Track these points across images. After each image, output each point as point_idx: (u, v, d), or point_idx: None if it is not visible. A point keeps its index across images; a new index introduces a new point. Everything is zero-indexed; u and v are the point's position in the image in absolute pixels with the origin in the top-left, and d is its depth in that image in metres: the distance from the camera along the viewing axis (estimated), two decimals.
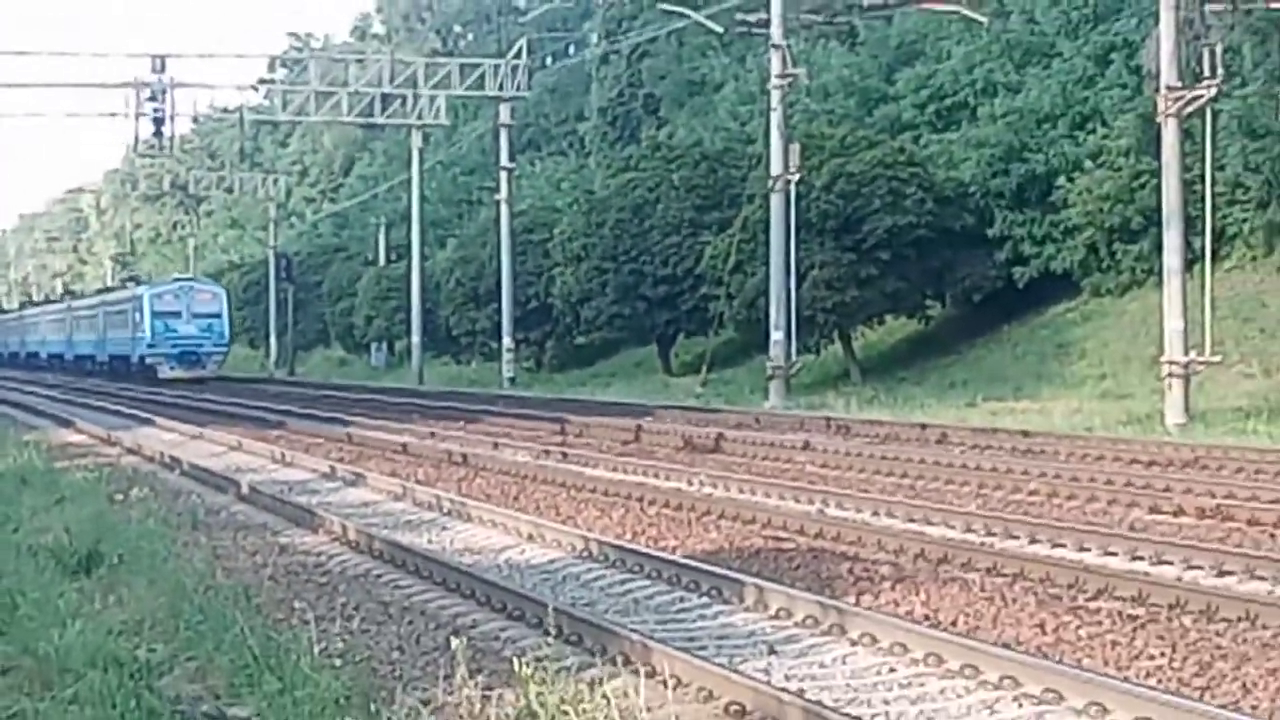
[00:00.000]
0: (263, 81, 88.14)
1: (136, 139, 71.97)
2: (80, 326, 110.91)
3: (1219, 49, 39.33)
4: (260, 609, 15.36)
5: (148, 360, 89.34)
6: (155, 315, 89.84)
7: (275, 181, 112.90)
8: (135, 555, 18.33)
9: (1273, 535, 20.56)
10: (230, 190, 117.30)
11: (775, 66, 53.70)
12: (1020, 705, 12.19)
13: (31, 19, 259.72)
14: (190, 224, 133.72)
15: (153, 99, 71.54)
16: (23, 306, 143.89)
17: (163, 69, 70.87)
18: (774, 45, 54.05)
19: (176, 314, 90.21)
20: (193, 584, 16.50)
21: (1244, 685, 12.75)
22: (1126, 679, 12.77)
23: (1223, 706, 11.75)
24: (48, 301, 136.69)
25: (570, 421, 42.41)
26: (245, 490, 27.96)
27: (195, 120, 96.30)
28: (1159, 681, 12.74)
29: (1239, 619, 15.01)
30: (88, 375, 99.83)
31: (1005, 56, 62.61)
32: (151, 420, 47.80)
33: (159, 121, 73.61)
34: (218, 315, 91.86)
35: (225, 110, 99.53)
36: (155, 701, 11.83)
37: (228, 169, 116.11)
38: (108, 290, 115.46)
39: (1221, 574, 17.54)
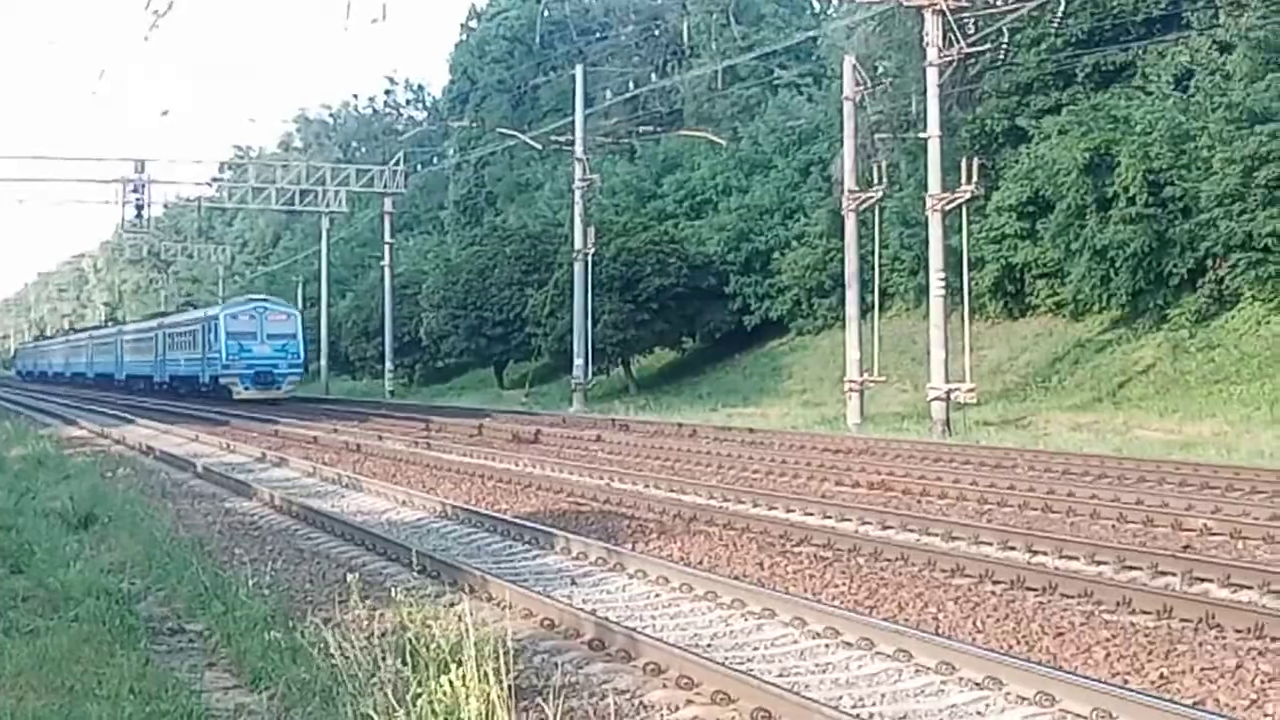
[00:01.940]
0: (215, 179, 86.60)
1: (124, 219, 70.61)
2: (135, 348, 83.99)
3: (884, 164, 39.94)
4: (210, 554, 15.23)
5: (221, 380, 64.59)
6: (230, 336, 64.35)
7: (224, 250, 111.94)
8: (120, 516, 18.13)
9: (919, 500, 20.85)
10: (191, 256, 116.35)
11: (578, 173, 53.84)
12: (746, 620, 12.27)
13: (51, 133, 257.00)
14: (162, 280, 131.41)
15: (135, 191, 70.40)
16: (70, 331, 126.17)
17: (143, 170, 69.79)
18: (577, 158, 54.19)
19: (251, 335, 64.73)
20: (161, 536, 16.35)
21: (899, 604, 12.92)
22: (819, 599, 12.92)
23: (886, 619, 11.92)
24: (96, 328, 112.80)
25: (433, 421, 42.15)
26: (200, 469, 27.67)
27: (165, 206, 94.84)
28: (841, 604, 12.87)
29: (896, 559, 15.21)
30: (146, 395, 74.47)
31: (738, 168, 63.06)
32: (133, 420, 46.93)
33: (140, 206, 72.69)
34: (293, 336, 66.04)
35: (188, 200, 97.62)
36: (134, 620, 11.69)
37: (189, 241, 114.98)
38: (163, 314, 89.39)
39: (884, 528, 17.76)
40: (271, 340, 64.67)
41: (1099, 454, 27.08)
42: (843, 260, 41.37)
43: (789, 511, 19.49)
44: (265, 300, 68.80)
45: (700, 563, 15.23)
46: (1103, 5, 43.19)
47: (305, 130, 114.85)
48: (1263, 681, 9.84)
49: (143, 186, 70.90)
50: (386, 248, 72.77)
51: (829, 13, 51.00)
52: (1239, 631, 11.33)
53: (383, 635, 9.99)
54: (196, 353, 69.39)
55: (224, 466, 28.76)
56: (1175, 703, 9.06)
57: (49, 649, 10.18)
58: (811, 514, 19.17)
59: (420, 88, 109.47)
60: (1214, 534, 16.58)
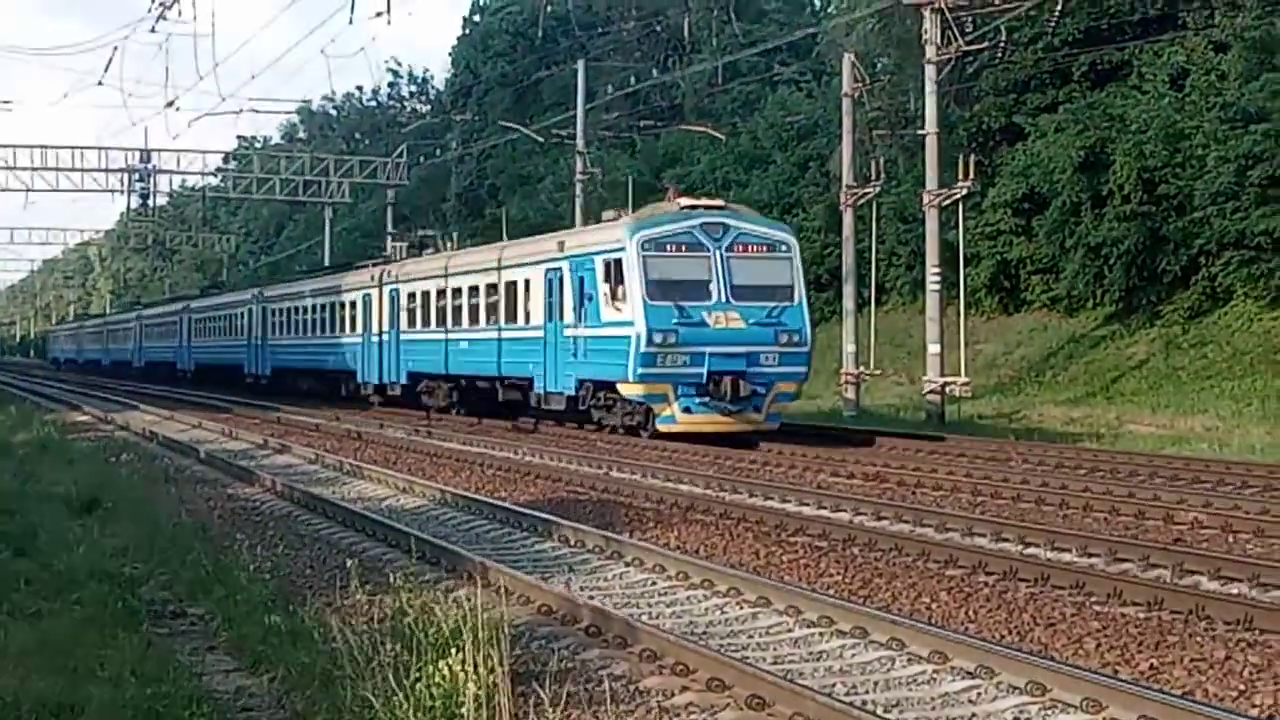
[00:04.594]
0: (219, 169, 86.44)
1: (129, 208, 70.78)
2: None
3: (882, 160, 39.96)
4: (212, 539, 15.24)
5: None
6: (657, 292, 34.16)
7: (228, 240, 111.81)
8: (124, 501, 18.14)
9: (913, 492, 20.87)
10: (195, 245, 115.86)
11: (579, 166, 53.80)
12: (741, 608, 12.28)
13: (60, 125, 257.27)
14: (166, 269, 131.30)
15: (141, 180, 70.70)
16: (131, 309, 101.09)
17: (148, 160, 69.86)
18: (578, 152, 54.15)
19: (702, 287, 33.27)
20: (164, 521, 16.36)
21: (892, 594, 12.93)
22: (814, 589, 12.93)
23: (879, 608, 11.94)
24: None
25: (432, 411, 42.12)
26: (203, 455, 27.66)
27: (170, 196, 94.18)
28: (836, 593, 12.89)
29: (890, 549, 15.21)
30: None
31: (737, 163, 62.96)
32: (136, 406, 46.90)
33: (145, 196, 73.28)
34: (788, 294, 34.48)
35: (193, 189, 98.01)
36: (136, 603, 11.70)
37: (194, 230, 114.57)
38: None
39: (878, 519, 17.76)
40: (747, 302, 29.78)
41: (1092, 448, 27.11)
42: (840, 255, 41.41)
43: (784, 501, 19.50)
44: (725, 210, 31.39)
45: (696, 551, 15.24)
46: (1099, 5, 43.25)
47: (309, 121, 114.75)
48: (1251, 673, 9.85)
49: (148, 176, 71.02)
50: (389, 239, 72.68)
51: (829, 10, 51.00)
52: (1228, 623, 11.34)
53: (382, 620, 10.00)
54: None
55: (226, 453, 28.75)
56: (1165, 693, 9.08)
57: (52, 631, 10.18)
58: (807, 504, 19.16)
59: (424, 80, 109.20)
60: (1205, 528, 16.60)
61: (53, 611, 10.90)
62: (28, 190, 66.20)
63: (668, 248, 29.14)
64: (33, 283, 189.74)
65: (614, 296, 29.18)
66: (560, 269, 32.01)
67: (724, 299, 28.97)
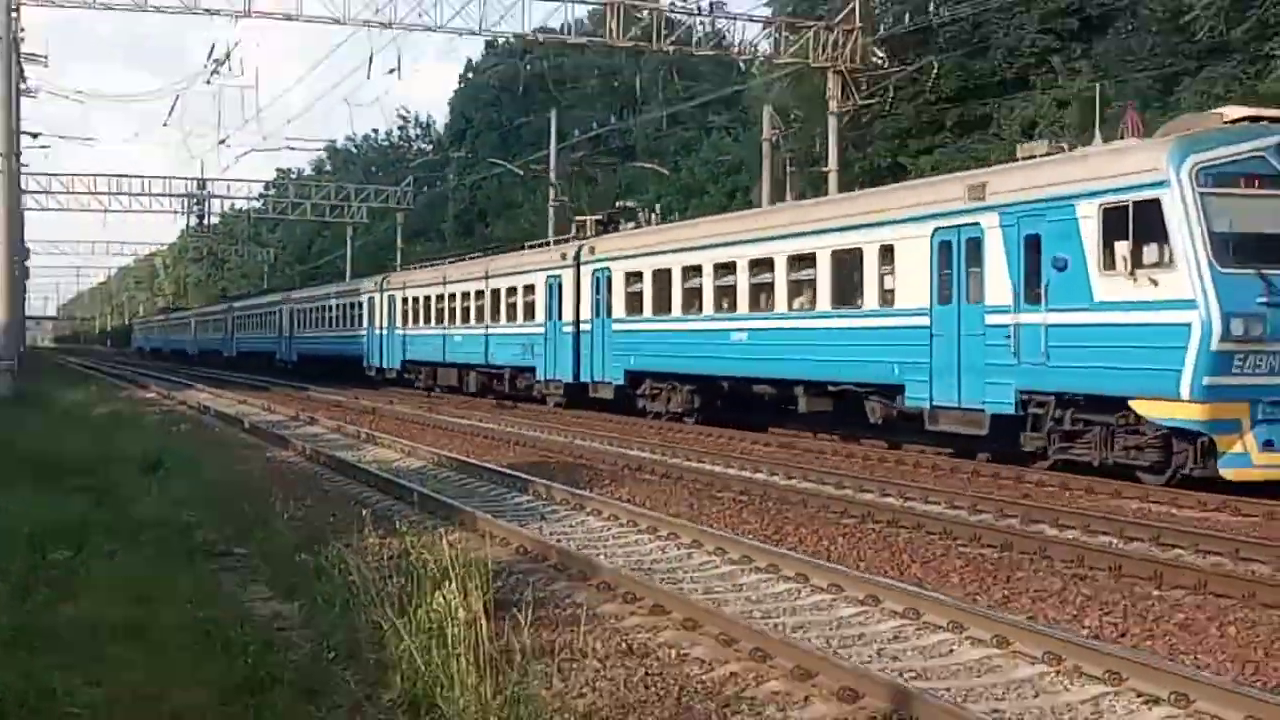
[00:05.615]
0: (262, 195, 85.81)
1: (188, 226, 70.41)
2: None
3: (794, 193, 39.92)
4: (254, 493, 15.13)
5: None
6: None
7: (268, 252, 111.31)
8: (182, 462, 17.97)
9: (817, 458, 20.91)
10: (242, 256, 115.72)
11: (551, 195, 53.75)
12: (679, 549, 12.30)
13: (132, 159, 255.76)
14: (218, 276, 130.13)
15: (198, 204, 70.76)
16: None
17: (204, 187, 69.89)
18: (551, 184, 54.16)
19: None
20: (215, 479, 16.26)
21: (799, 538, 12.98)
22: (737, 533, 12.96)
23: (789, 549, 11.96)
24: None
25: (434, 391, 41.99)
26: (247, 426, 27.50)
27: (221, 216, 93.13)
28: (754, 537, 12.92)
29: (798, 502, 15.27)
30: None
31: (679, 194, 62.73)
32: (193, 386, 46.61)
33: (201, 216, 73.50)
34: None
35: (240, 211, 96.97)
36: (192, 545, 11.62)
37: (240, 244, 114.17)
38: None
39: (789, 478, 17.79)
40: None
41: None
42: None
43: (714, 465, 19.54)
44: None
45: (643, 503, 15.25)
46: (966, 69, 43.36)
47: (334, 158, 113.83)
48: (1082, 601, 9.95)
49: (204, 200, 70.97)
50: (399, 252, 72.40)
51: (752, 71, 50.92)
52: (1064, 562, 11.45)
53: (390, 559, 9.98)
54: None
55: (266, 423, 28.62)
56: (1013, 616, 9.17)
57: (125, 567, 10.11)
58: (732, 467, 19.21)
59: (427, 124, 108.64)
60: (1047, 486, 16.74)
61: (125, 551, 10.82)
62: (106, 211, 66.76)
63: (1238, 182, 15.34)
64: (109, 286, 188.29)
65: (1134, 262, 15.73)
66: (972, 228, 18.22)
67: None
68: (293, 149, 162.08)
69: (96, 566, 10.09)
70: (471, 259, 40.89)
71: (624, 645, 8.47)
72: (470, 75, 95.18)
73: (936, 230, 18.89)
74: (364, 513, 11.31)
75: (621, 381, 28.92)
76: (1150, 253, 15.81)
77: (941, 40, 41.63)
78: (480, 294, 37.07)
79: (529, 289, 33.89)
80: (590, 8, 38.37)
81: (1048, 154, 18.29)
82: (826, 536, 12.97)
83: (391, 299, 45.02)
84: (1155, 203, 15.42)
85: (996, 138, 42.11)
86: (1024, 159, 18.63)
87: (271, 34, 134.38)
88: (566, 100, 72.59)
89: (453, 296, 39.26)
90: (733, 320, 24.38)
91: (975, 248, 18.14)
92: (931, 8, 39.60)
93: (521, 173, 62.11)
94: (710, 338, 25.13)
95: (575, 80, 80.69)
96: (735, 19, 44.99)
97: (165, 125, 57.56)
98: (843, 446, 22.24)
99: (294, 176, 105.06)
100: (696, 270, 25.73)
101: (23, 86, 37.94)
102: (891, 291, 20.08)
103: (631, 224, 32.00)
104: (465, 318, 38.50)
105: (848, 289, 21.36)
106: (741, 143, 61.88)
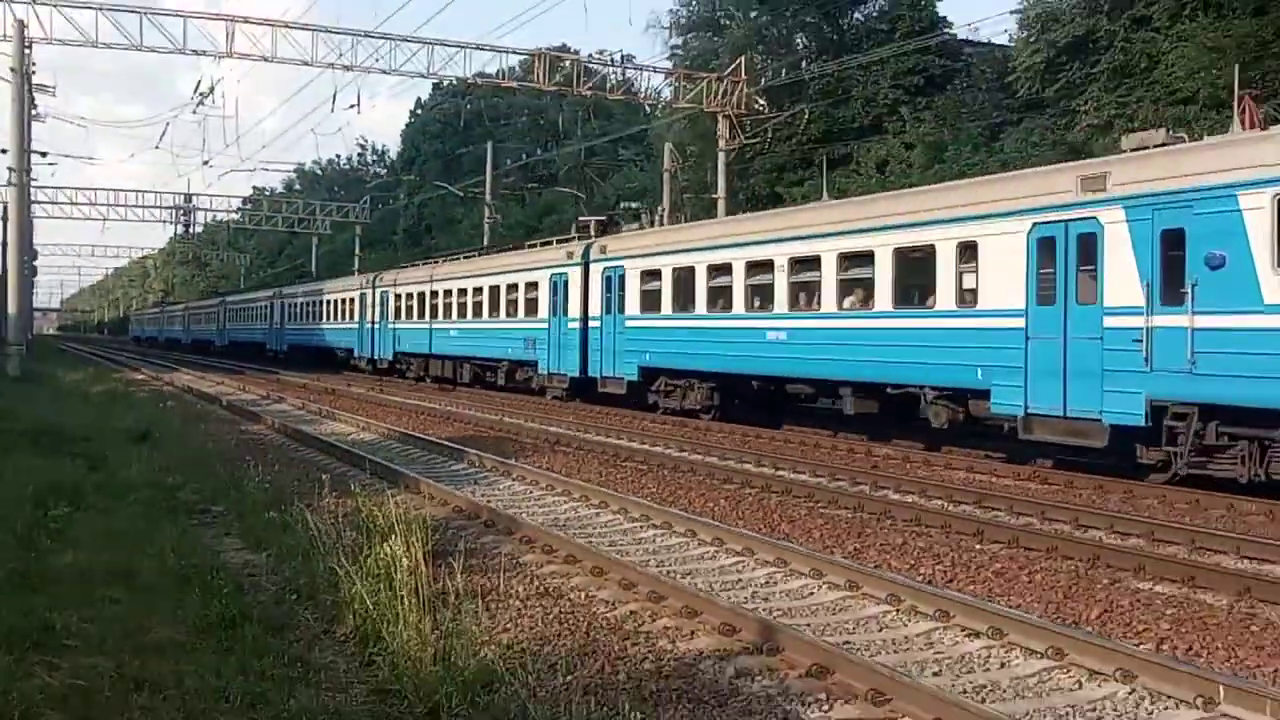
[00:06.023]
0: (239, 209, 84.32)
1: (175, 234, 69.36)
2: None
3: (690, 216, 40.06)
4: (229, 460, 14.86)
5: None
6: None
7: (245, 257, 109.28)
8: (168, 433, 17.66)
9: (703, 434, 20.91)
10: (222, 260, 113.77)
11: (486, 213, 53.31)
12: (589, 509, 12.29)
13: (127, 175, 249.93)
14: (201, 277, 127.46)
15: (185, 215, 69.61)
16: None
17: (189, 201, 68.76)
18: (486, 204, 53.71)
19: None
20: (196, 447, 15.94)
21: (689, 501, 12.93)
22: (638, 496, 12.96)
23: (680, 510, 11.96)
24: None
25: (385, 379, 41.50)
26: (224, 403, 26.99)
27: (205, 226, 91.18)
28: (651, 499, 12.92)
29: (687, 470, 15.23)
30: None
31: (593, 215, 62.66)
32: (178, 368, 45.63)
33: (186, 226, 72.29)
34: None
35: (221, 221, 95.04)
36: (175, 503, 11.40)
37: (221, 250, 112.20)
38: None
39: (680, 451, 17.81)
40: None
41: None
42: None
43: (619, 439, 19.54)
44: None
45: (560, 471, 15.20)
46: (832, 116, 43.73)
47: (302, 178, 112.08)
48: (919, 554, 10.11)
49: (189, 212, 69.76)
50: (357, 259, 71.46)
51: (656, 113, 51.08)
52: (905, 521, 11.62)
53: (344, 516, 9.85)
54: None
55: (240, 401, 28.08)
56: (862, 564, 9.29)
57: (116, 521, 9.90)
58: (634, 441, 19.22)
59: (382, 151, 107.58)
60: (892, 459, 16.96)
61: (116, 508, 10.59)
62: (104, 220, 65.50)
63: None
64: (106, 283, 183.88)
65: None
66: (1085, 223, 13.93)
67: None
68: (266, 170, 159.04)
69: (91, 521, 9.87)
70: (467, 257, 36.93)
71: (542, 588, 8.45)
72: (419, 111, 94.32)
73: (1035, 225, 14.56)
74: (323, 477, 11.17)
75: (635, 377, 24.37)
76: None
77: (812, 91, 41.97)
78: (479, 290, 32.95)
79: (531, 285, 29.51)
80: (521, 57, 38.20)
81: (1163, 144, 13.72)
82: (711, 499, 13.03)
83: (384, 295, 41.64)
84: None
85: (856, 173, 42.58)
86: (1134, 150, 13.85)
87: (250, 72, 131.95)
88: (500, 134, 72.27)
89: (448, 293, 35.27)
90: (768, 319, 19.92)
91: (1089, 244, 13.84)
92: (804, 65, 39.99)
93: (461, 194, 61.77)
94: (741, 335, 20.56)
95: (508, 117, 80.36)
96: (642, 70, 45.13)
97: (157, 148, 55.80)
98: (844, 443, 22.32)
99: (267, 194, 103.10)
100: (725, 269, 21.12)
101: (33, 112, 36.87)
102: (973, 291, 15.70)
103: (635, 225, 28.14)
104: (461, 313, 34.37)
105: (914, 288, 16.97)
106: (646, 172, 61.87)
